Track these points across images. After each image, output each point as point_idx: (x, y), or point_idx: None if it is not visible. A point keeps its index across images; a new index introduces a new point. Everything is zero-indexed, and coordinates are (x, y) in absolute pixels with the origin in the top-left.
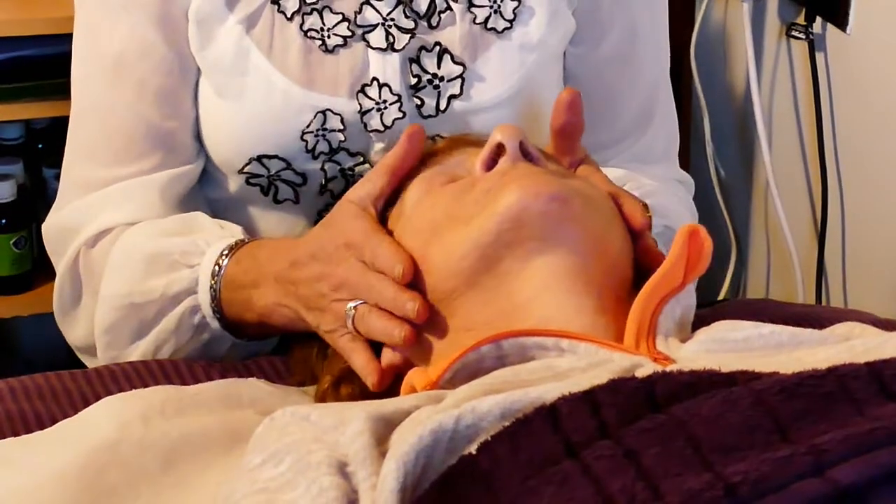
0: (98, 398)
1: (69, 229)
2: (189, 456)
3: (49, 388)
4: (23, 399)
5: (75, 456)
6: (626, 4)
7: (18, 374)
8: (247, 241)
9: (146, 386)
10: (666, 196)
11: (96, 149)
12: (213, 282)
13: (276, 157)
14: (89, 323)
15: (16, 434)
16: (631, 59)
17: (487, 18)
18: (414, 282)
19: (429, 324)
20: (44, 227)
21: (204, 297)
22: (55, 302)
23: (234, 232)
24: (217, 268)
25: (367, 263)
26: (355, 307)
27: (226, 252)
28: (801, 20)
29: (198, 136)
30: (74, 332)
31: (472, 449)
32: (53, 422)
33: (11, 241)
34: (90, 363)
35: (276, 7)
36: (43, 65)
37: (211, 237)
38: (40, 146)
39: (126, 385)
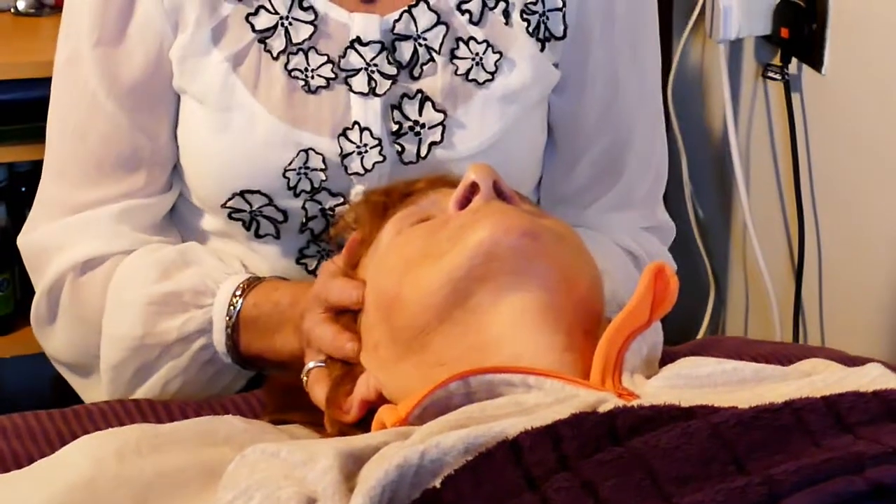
0: (75, 437)
1: (46, 251)
2: (164, 493)
3: (27, 428)
4: (0, 439)
5: (52, 494)
6: (612, 59)
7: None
8: (253, 279)
9: (122, 424)
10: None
11: (67, 169)
12: (227, 321)
13: (258, 192)
14: (65, 341)
15: None
16: (610, 112)
17: (469, 70)
18: (387, 319)
19: (401, 360)
20: (20, 241)
21: (219, 337)
22: (32, 313)
23: (236, 267)
24: (231, 308)
25: (328, 309)
26: (308, 371)
27: (238, 293)
28: (776, 61)
29: (173, 168)
30: (49, 345)
31: (437, 483)
32: (31, 461)
33: None
34: (67, 375)
35: (263, 46)
36: (26, 108)
37: (217, 274)
38: (23, 189)
39: (102, 424)
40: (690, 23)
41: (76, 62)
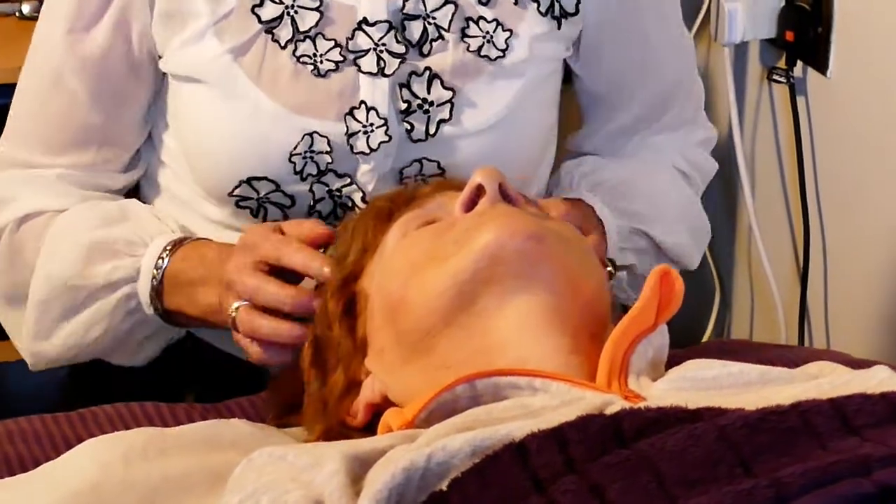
0: (80, 441)
1: None
2: (170, 497)
3: (32, 432)
4: (6, 443)
5: (58, 498)
6: (637, 17)
7: (5, 419)
8: (187, 238)
9: (128, 428)
10: (647, 200)
11: (22, 132)
12: (154, 273)
13: (265, 178)
14: (3, 284)
15: None
16: (645, 63)
17: (480, 47)
18: (393, 322)
19: (407, 363)
20: None
21: (144, 287)
22: None
23: (172, 226)
24: (160, 261)
25: (269, 258)
26: (236, 309)
27: (168, 247)
28: (781, 64)
29: (136, 153)
30: None
31: (443, 486)
32: (36, 465)
33: None
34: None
35: (271, 36)
36: None
37: (153, 230)
38: None
39: (108, 428)
40: (695, 26)
41: (49, 40)
